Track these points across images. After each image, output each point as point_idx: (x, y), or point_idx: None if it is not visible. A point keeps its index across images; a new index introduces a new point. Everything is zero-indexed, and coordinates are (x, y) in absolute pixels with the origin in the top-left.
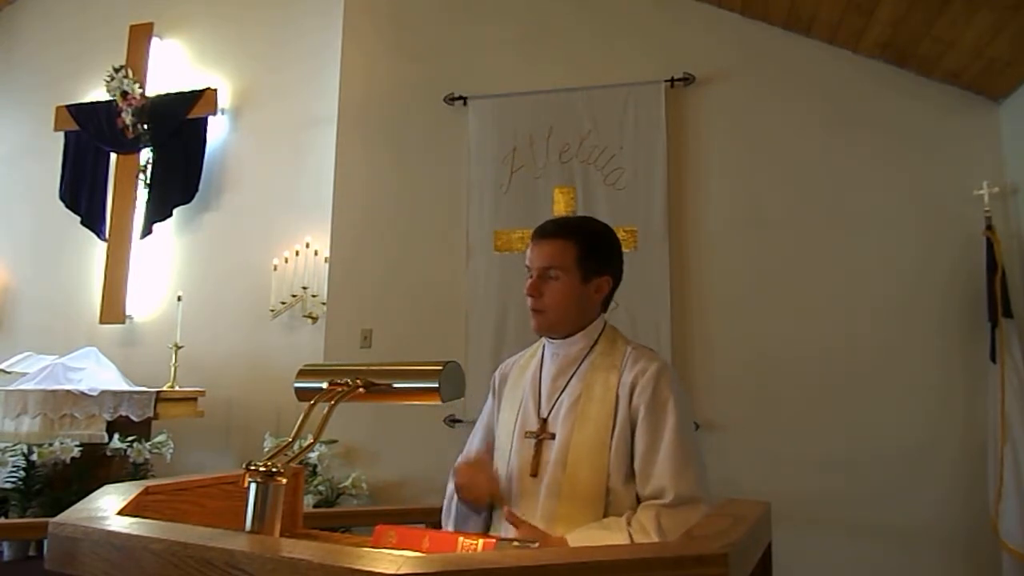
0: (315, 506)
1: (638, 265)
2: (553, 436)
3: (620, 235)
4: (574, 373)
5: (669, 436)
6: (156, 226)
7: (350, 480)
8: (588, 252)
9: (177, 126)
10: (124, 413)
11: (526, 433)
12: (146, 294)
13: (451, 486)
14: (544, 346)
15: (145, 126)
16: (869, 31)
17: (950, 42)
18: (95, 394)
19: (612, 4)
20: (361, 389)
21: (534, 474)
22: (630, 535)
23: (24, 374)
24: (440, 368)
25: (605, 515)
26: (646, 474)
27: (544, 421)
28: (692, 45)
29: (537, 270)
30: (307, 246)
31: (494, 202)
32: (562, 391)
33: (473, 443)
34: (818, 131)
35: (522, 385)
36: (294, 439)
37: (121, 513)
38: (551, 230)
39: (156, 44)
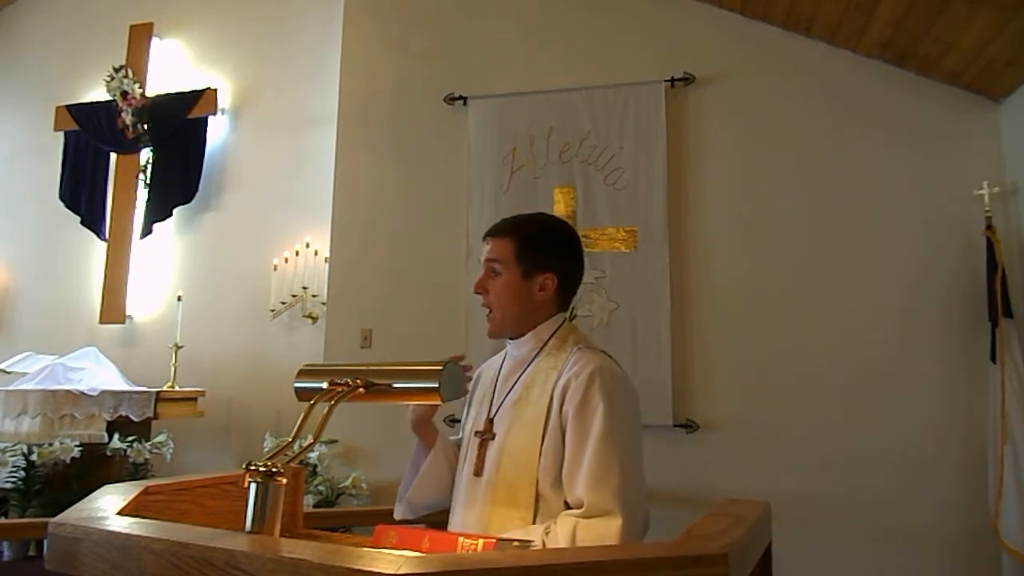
0: (315, 506)
1: (638, 265)
2: (494, 436)
3: (620, 235)
4: (521, 374)
5: (593, 445)
6: (156, 226)
7: (350, 480)
8: (525, 247)
9: (177, 126)
10: (124, 413)
11: (476, 432)
12: (146, 294)
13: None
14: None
15: (145, 126)
16: (869, 31)
17: (950, 42)
18: (95, 394)
19: (612, 4)
20: (361, 389)
21: (478, 474)
22: (544, 544)
23: (24, 374)
24: (440, 368)
25: (535, 520)
26: (569, 482)
27: (491, 421)
28: (692, 45)
29: (483, 266)
30: (307, 246)
31: (494, 202)
32: (509, 391)
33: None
34: (818, 131)
35: (486, 386)
36: (294, 439)
37: (121, 513)
38: (496, 227)
39: (156, 44)
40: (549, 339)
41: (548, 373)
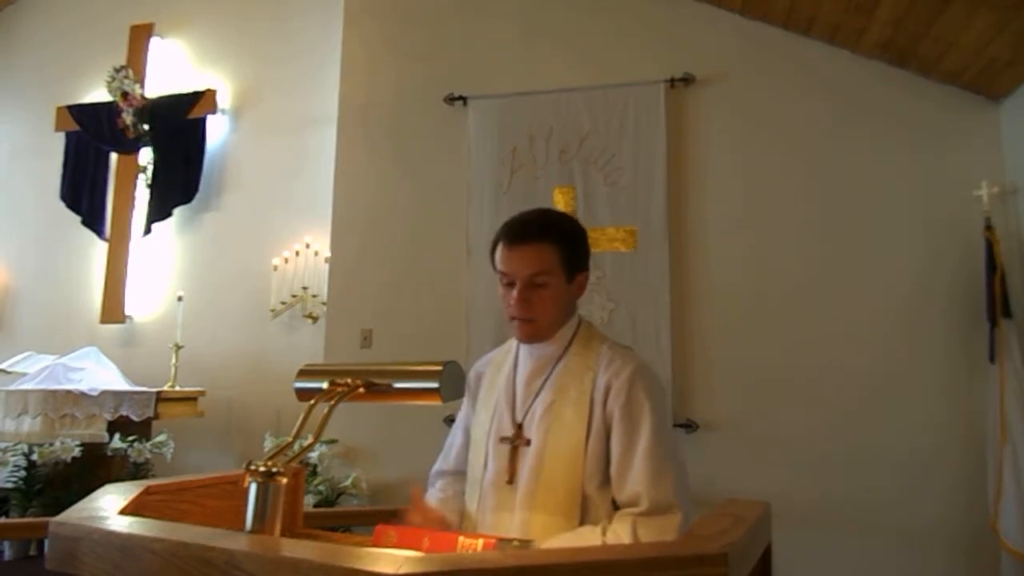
0: (315, 506)
1: (638, 265)
2: (528, 442)
3: (620, 235)
4: (549, 375)
5: (644, 442)
6: (156, 226)
7: (350, 480)
8: (569, 250)
9: (177, 126)
10: (124, 413)
11: (501, 438)
12: (146, 294)
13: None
14: (518, 345)
15: (145, 126)
16: (869, 31)
17: (950, 42)
18: (95, 394)
19: (612, 4)
20: (361, 389)
21: (510, 481)
22: (604, 540)
23: (24, 374)
24: (440, 368)
25: (581, 523)
26: (621, 481)
27: (519, 426)
28: (692, 45)
29: (523, 279)
30: (307, 246)
31: (494, 202)
32: (537, 394)
33: (453, 446)
34: (818, 131)
35: (497, 386)
36: (294, 439)
37: (122, 513)
38: (529, 233)
39: (156, 44)
40: (573, 338)
41: (582, 374)
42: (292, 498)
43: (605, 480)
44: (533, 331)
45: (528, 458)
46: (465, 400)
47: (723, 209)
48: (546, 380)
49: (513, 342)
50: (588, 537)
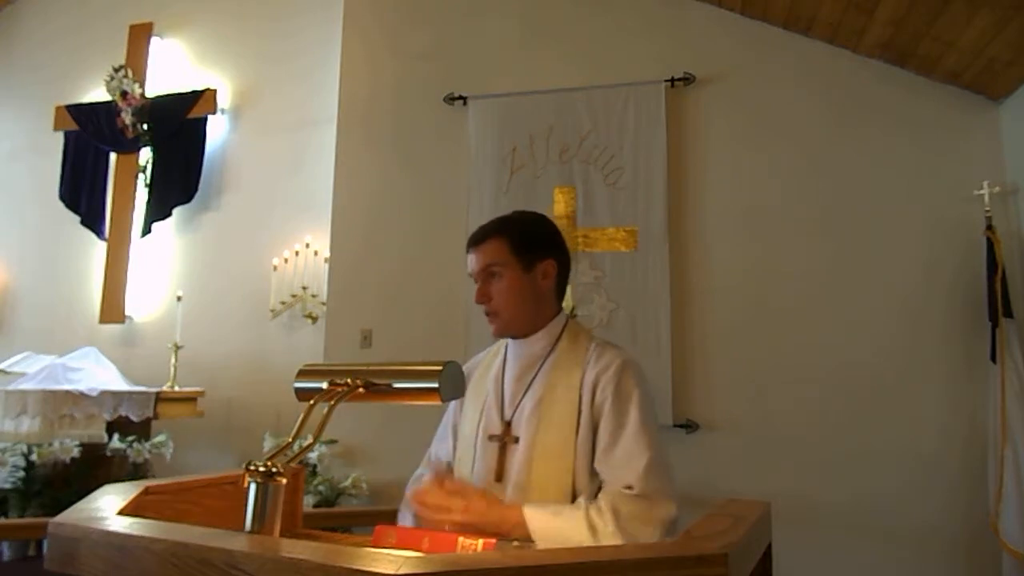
0: (315, 506)
1: (638, 265)
2: (517, 439)
3: (620, 235)
4: (537, 372)
5: (632, 429)
6: (156, 226)
7: (350, 480)
8: (519, 242)
9: (177, 126)
10: (124, 413)
11: (490, 436)
12: (146, 294)
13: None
14: (507, 345)
15: (145, 126)
16: (869, 31)
17: (950, 42)
18: (95, 394)
19: (612, 4)
20: (361, 389)
21: (499, 479)
22: (587, 513)
23: (24, 374)
24: (440, 368)
25: None
26: (608, 465)
27: (508, 424)
28: (692, 45)
29: (478, 274)
30: (307, 246)
31: (494, 202)
32: (525, 392)
33: (442, 447)
34: (818, 131)
35: (485, 386)
36: (294, 439)
37: (121, 513)
38: (479, 234)
39: (156, 44)
40: (560, 335)
41: (570, 370)
42: (292, 498)
43: (595, 471)
44: (499, 324)
45: (518, 456)
46: (452, 403)
47: (723, 209)
48: (534, 377)
49: (502, 343)
50: (568, 515)
